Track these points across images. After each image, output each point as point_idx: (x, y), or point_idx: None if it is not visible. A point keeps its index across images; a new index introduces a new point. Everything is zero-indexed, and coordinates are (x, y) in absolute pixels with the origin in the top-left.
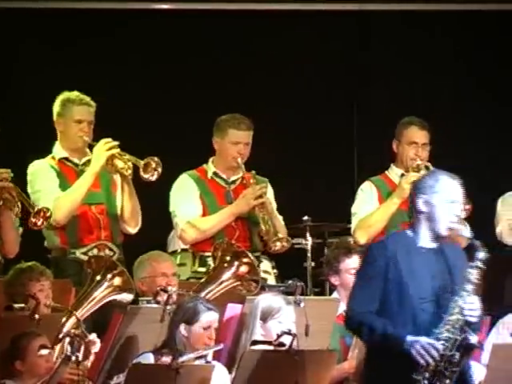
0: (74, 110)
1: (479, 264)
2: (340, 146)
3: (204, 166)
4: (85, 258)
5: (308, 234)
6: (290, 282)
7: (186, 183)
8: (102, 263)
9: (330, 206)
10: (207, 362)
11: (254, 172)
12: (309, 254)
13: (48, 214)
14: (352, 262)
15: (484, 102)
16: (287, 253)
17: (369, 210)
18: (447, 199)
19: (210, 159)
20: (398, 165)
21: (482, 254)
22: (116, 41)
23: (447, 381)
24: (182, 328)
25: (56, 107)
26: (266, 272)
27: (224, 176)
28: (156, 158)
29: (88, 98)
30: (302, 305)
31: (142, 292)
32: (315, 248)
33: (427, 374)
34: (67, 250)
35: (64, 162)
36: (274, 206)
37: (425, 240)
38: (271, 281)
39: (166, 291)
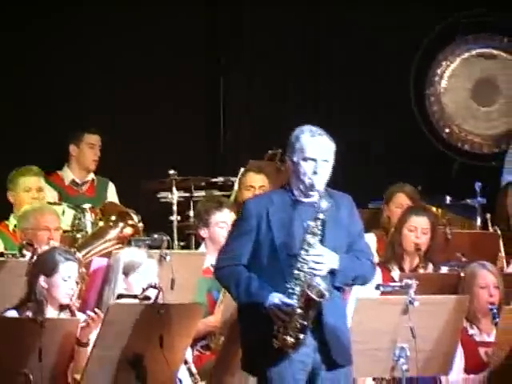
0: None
1: (320, 216)
2: (206, 100)
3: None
4: None
5: (174, 188)
6: (155, 235)
7: None
8: None
9: (196, 160)
10: (72, 315)
11: None
12: (175, 208)
13: None
14: (222, 216)
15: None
16: (153, 207)
17: None
18: (305, 156)
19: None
20: None
21: (324, 204)
22: None
23: (301, 335)
24: (42, 280)
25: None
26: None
27: None
28: None
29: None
30: (168, 258)
31: None
32: (181, 202)
33: (281, 329)
34: None
35: None
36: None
37: (300, 195)
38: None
39: (31, 245)
